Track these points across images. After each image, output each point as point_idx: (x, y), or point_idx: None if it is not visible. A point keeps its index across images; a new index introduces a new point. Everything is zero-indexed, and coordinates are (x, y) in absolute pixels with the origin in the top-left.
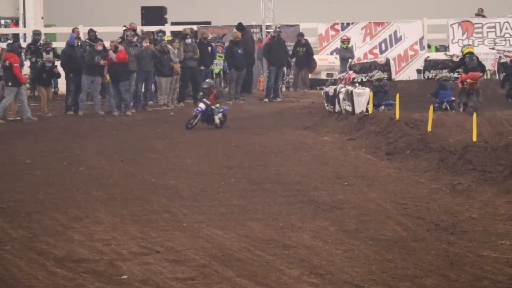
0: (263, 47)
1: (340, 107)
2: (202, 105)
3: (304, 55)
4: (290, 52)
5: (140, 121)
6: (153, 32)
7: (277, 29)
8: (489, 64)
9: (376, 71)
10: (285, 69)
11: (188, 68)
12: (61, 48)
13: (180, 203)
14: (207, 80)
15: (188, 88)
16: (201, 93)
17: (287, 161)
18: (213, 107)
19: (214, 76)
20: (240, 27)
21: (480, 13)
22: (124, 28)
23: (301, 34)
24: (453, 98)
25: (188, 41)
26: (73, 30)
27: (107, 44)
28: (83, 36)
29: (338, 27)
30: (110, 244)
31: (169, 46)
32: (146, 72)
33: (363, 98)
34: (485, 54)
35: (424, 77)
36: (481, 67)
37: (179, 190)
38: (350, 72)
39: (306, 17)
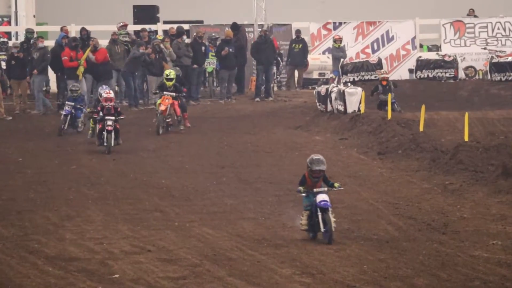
0: (251, 46)
1: (332, 106)
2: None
3: (300, 52)
4: (284, 50)
5: (132, 120)
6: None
7: (264, 28)
8: (481, 64)
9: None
10: (274, 68)
11: (182, 67)
12: (52, 47)
13: (172, 202)
14: None
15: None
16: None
17: (279, 161)
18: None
19: (207, 75)
20: (234, 26)
21: (471, 14)
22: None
23: (299, 31)
24: None
25: (185, 38)
26: (61, 29)
27: (101, 42)
28: (75, 34)
29: (330, 26)
30: (102, 243)
31: (162, 46)
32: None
33: (355, 97)
34: (477, 54)
35: (416, 76)
36: None
37: (171, 189)
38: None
39: (298, 16)
